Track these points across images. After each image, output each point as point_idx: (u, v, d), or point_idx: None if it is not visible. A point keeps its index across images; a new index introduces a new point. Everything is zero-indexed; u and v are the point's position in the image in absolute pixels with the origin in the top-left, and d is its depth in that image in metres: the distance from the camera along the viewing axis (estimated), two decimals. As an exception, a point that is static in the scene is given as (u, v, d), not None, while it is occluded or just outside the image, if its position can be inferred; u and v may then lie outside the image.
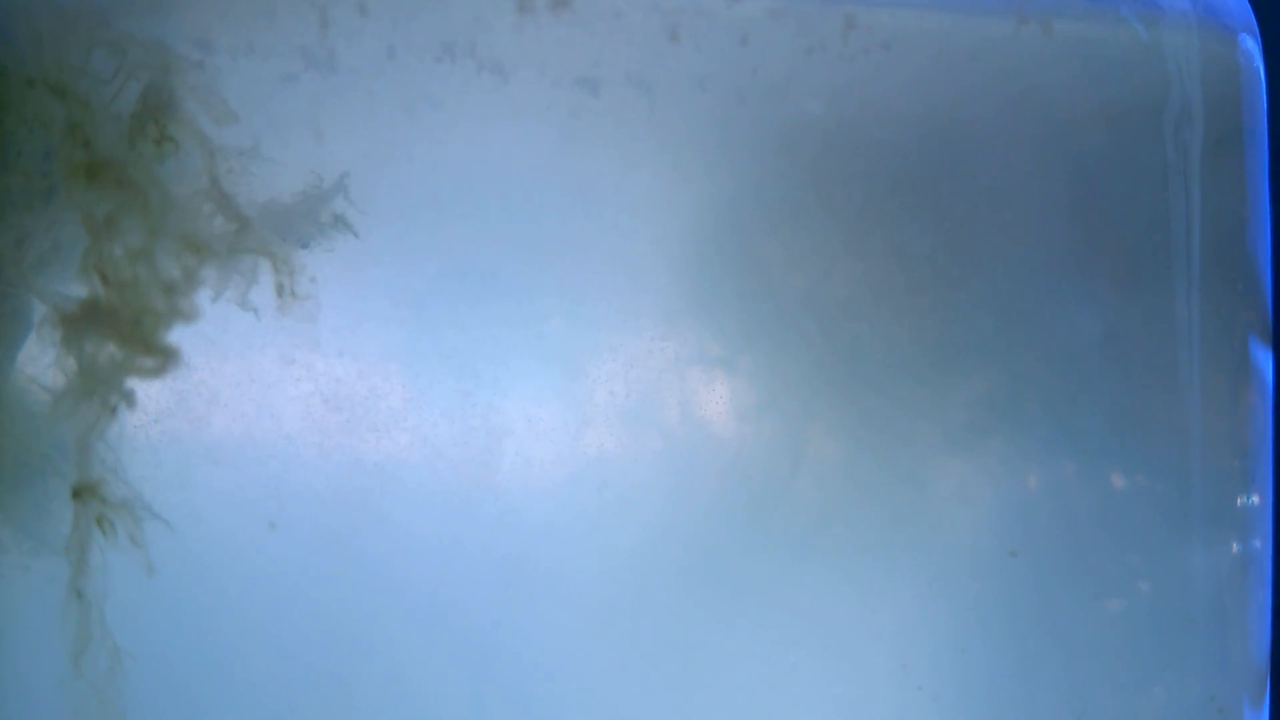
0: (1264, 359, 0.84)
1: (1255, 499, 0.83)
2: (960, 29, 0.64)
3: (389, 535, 0.58)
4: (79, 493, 0.44)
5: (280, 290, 0.52)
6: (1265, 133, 0.81)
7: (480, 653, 0.66)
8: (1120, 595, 0.88)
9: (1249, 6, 0.79)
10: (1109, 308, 0.88)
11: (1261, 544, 0.85)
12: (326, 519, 0.55)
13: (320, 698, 0.55)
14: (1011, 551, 0.75)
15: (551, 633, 0.73)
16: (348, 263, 0.63)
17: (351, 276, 0.63)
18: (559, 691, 0.72)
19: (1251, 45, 0.79)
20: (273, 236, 0.52)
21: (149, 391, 0.47)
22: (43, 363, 0.60)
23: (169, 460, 0.54)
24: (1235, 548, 0.81)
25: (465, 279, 0.73)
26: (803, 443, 0.89)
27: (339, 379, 0.61)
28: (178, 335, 0.48)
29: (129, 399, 0.46)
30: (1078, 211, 0.85)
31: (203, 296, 0.48)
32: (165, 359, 0.46)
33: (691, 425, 0.85)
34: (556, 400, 0.76)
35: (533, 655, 0.70)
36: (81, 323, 0.46)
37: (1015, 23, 0.62)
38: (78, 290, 0.52)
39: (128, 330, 0.45)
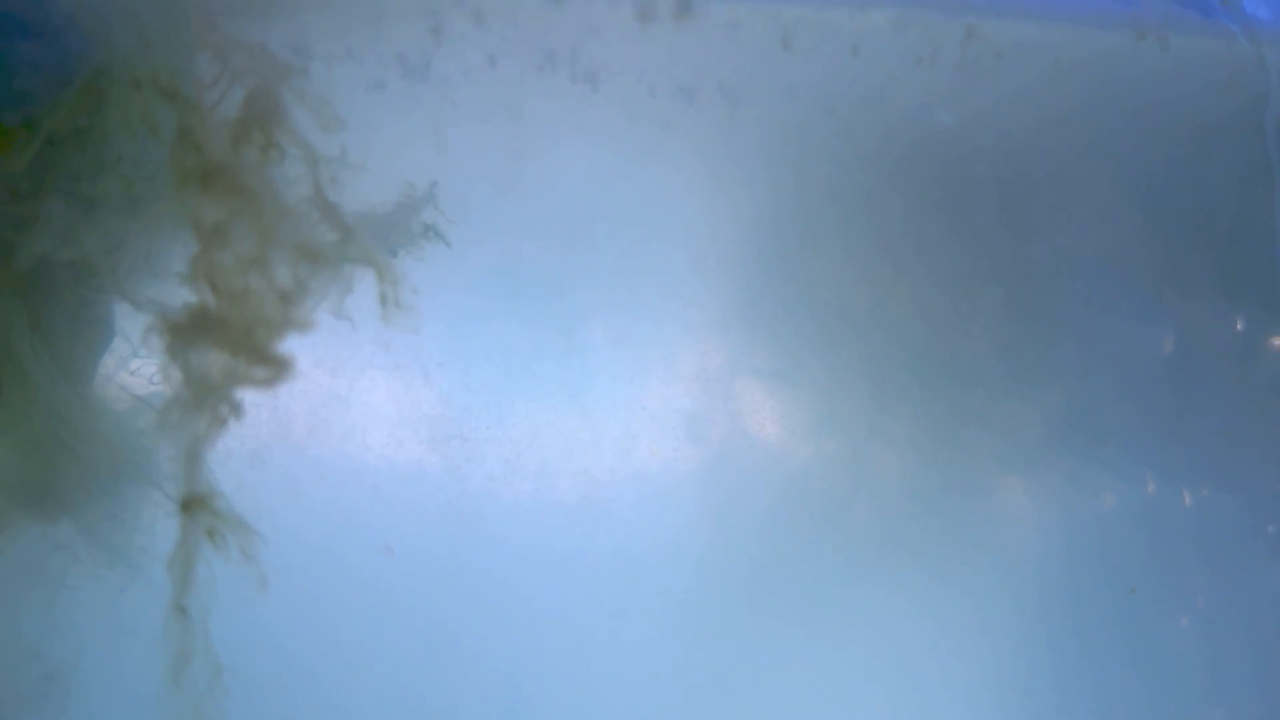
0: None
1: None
2: (1076, 41, 0.64)
3: (500, 554, 0.58)
4: (188, 505, 0.43)
5: (384, 300, 0.52)
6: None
7: (583, 664, 0.65)
8: (1191, 614, 0.87)
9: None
10: (1180, 324, 0.88)
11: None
12: (440, 541, 0.54)
13: (410, 654, 0.54)
14: (1132, 589, 0.74)
15: (623, 646, 0.73)
16: (438, 274, 0.62)
17: (443, 287, 0.62)
18: (627, 692, 0.71)
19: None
20: (376, 246, 0.52)
21: (257, 404, 0.46)
22: (131, 371, 0.59)
23: (275, 475, 0.54)
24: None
25: (544, 291, 0.73)
26: (864, 458, 0.89)
27: (442, 394, 0.60)
28: (286, 346, 0.47)
29: (238, 410, 0.46)
30: (1159, 226, 0.85)
31: (312, 307, 0.47)
32: (279, 369, 0.45)
33: (752, 440, 0.85)
34: (629, 416, 0.75)
35: (612, 667, 0.70)
36: (190, 332, 0.45)
37: (1134, 36, 0.62)
38: (177, 299, 0.51)
39: (240, 340, 0.44)
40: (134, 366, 0.59)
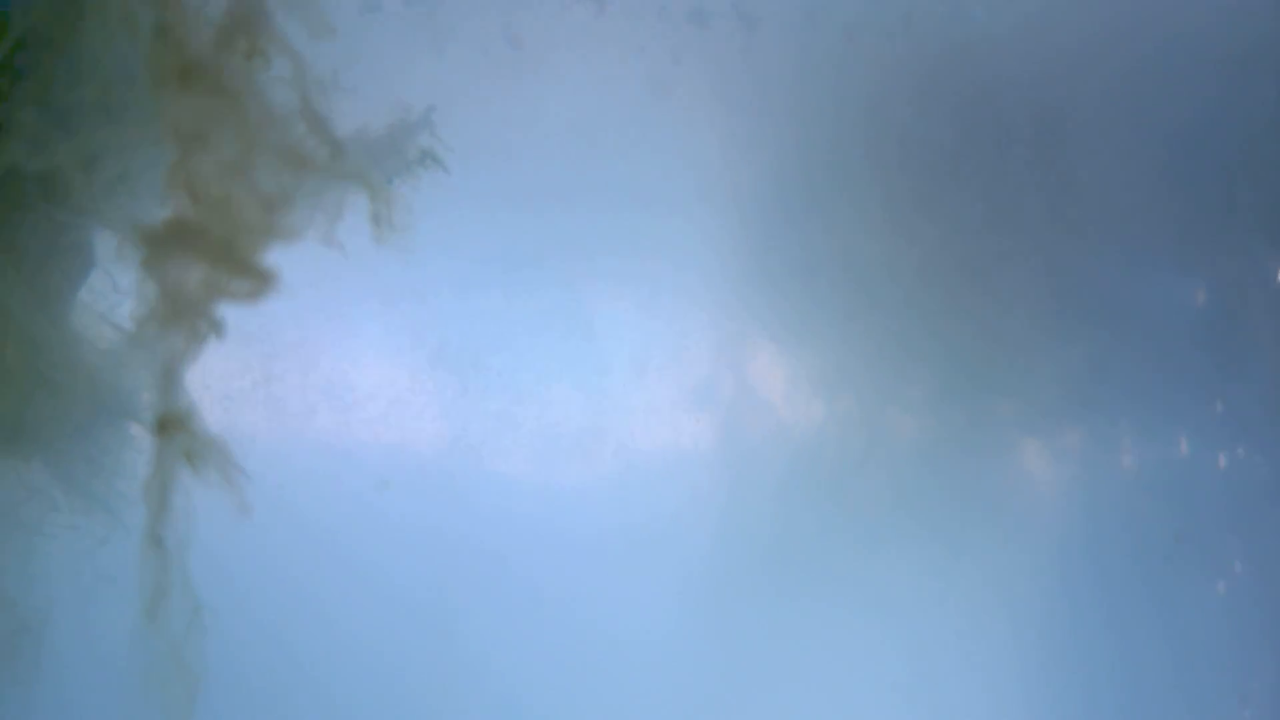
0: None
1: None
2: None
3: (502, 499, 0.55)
4: (164, 426, 0.41)
5: (377, 220, 0.49)
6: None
7: (571, 621, 0.63)
8: (1227, 578, 0.83)
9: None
10: (1214, 277, 0.85)
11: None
12: (435, 476, 0.52)
13: (426, 652, 0.52)
14: (1177, 537, 0.70)
15: (633, 606, 0.70)
16: (432, 203, 0.60)
17: (438, 216, 0.60)
18: (645, 660, 0.68)
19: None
20: (368, 164, 0.49)
21: (241, 322, 0.43)
22: (111, 304, 0.57)
23: (259, 399, 0.51)
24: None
25: (542, 232, 0.70)
26: (877, 420, 0.86)
27: (434, 324, 0.57)
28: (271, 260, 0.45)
29: (218, 327, 0.43)
30: (1192, 171, 0.81)
31: (298, 221, 0.44)
32: (261, 282, 0.42)
33: (762, 402, 0.82)
34: (632, 373, 0.72)
35: (623, 636, 0.67)
36: (167, 243, 0.42)
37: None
38: (158, 214, 0.49)
39: (220, 250, 0.41)
40: (114, 300, 0.57)
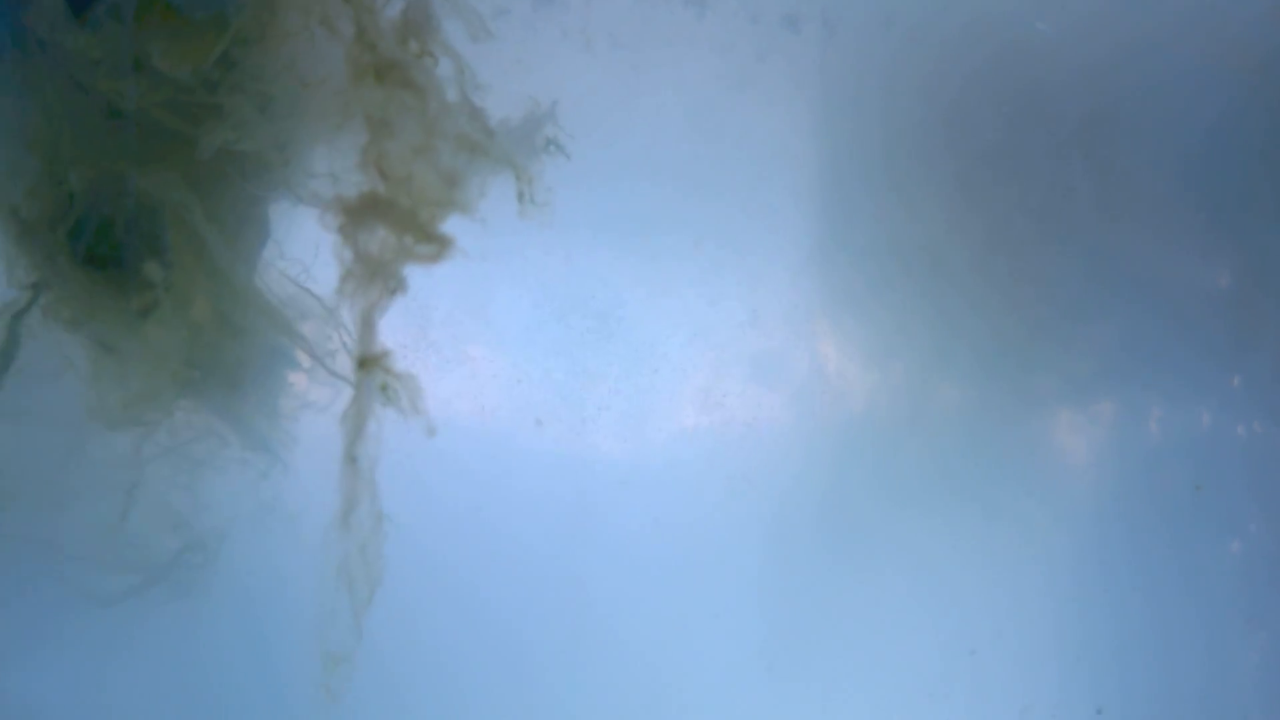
0: None
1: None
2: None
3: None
4: (364, 363, 0.48)
5: (521, 197, 0.56)
6: None
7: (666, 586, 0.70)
8: (1236, 536, 0.90)
9: None
10: (1239, 257, 0.90)
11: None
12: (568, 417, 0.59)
13: (574, 566, 0.59)
14: (1198, 486, 0.75)
15: (718, 555, 0.77)
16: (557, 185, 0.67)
17: (562, 197, 0.67)
18: (724, 607, 0.75)
19: None
20: (514, 148, 0.56)
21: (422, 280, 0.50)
22: (283, 269, 0.64)
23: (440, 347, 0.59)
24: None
25: (635, 209, 0.77)
26: (924, 391, 0.92)
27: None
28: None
29: (403, 285, 0.50)
30: (1223, 156, 0.86)
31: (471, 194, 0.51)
32: (442, 246, 0.49)
33: (825, 372, 0.88)
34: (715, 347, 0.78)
35: (696, 598, 0.74)
36: (361, 212, 0.49)
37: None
38: (340, 191, 0.56)
39: (406, 219, 0.49)
40: (285, 265, 0.64)
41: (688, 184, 0.72)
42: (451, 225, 0.57)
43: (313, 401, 0.68)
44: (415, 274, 0.55)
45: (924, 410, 0.85)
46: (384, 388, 0.48)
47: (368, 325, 0.48)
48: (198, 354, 0.57)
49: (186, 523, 0.65)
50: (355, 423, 0.49)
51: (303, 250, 0.65)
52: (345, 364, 0.52)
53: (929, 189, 0.83)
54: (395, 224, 0.49)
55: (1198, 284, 0.85)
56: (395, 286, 0.49)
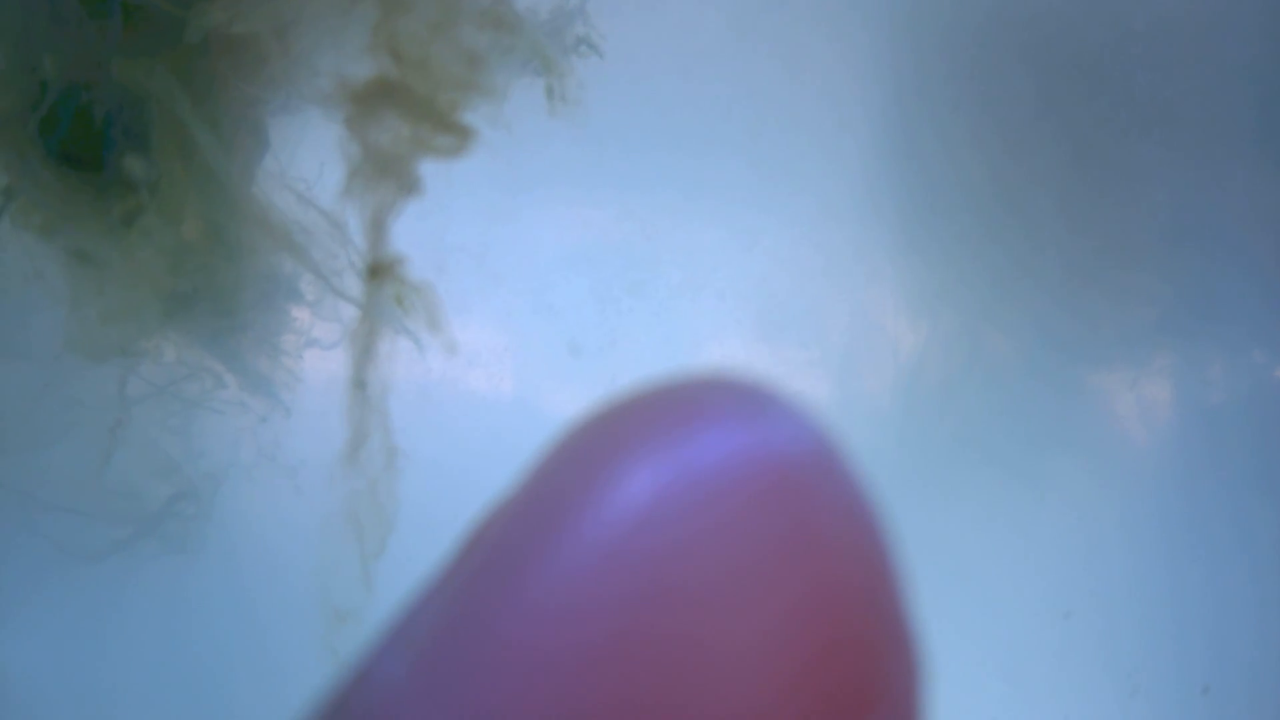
0: None
1: None
2: None
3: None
4: (375, 272, 0.43)
5: (551, 94, 0.50)
6: None
7: None
8: None
9: None
10: None
11: None
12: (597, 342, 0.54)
13: None
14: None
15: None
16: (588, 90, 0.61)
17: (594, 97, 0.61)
18: None
19: None
20: (543, 38, 0.50)
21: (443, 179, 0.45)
22: (285, 184, 0.59)
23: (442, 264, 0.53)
24: None
25: (676, 138, 0.72)
26: (975, 342, 0.86)
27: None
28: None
29: (419, 184, 0.45)
30: (1268, 90, 0.80)
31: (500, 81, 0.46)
32: (463, 137, 0.44)
33: (875, 320, 0.83)
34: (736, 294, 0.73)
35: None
36: (371, 100, 0.44)
37: None
38: (351, 82, 0.50)
39: (423, 107, 0.43)
40: (285, 179, 0.59)
41: (735, 105, 0.66)
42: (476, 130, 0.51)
43: (318, 339, 0.62)
44: (434, 181, 0.49)
45: (971, 368, 0.79)
46: (399, 299, 0.43)
47: (378, 228, 0.43)
48: (187, 274, 0.51)
49: (178, 469, 0.61)
50: (365, 341, 0.43)
51: (307, 168, 0.59)
52: (354, 286, 0.47)
53: (988, 130, 0.77)
54: (410, 112, 0.43)
55: (1266, 225, 0.79)
56: (410, 185, 0.43)
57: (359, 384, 0.43)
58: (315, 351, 0.60)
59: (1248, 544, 0.80)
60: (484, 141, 0.48)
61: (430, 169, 0.45)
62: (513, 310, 0.55)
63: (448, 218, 0.54)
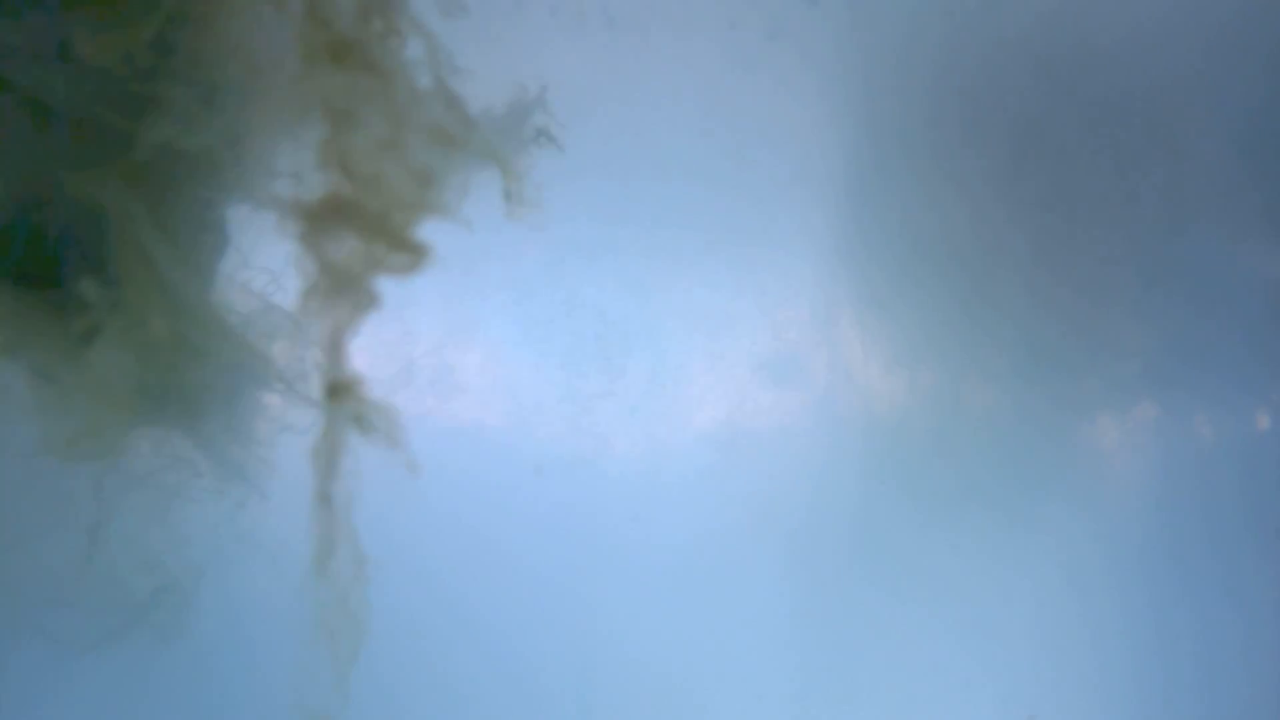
0: None
1: None
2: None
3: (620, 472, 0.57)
4: (334, 391, 0.43)
5: (509, 196, 0.50)
6: None
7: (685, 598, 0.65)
8: None
9: None
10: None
11: None
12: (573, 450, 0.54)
13: (567, 607, 0.55)
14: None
15: (723, 571, 0.72)
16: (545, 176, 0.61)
17: (555, 192, 0.61)
18: (748, 627, 0.71)
19: None
20: (498, 140, 0.50)
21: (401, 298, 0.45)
22: (246, 280, 0.59)
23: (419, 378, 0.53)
24: None
25: (638, 206, 0.71)
26: (956, 396, 0.86)
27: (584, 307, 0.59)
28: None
29: (375, 300, 0.45)
30: (1265, 156, 0.79)
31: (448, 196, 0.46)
32: (417, 256, 0.44)
33: (850, 376, 0.82)
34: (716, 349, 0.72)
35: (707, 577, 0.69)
36: (324, 217, 0.44)
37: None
38: (301, 192, 0.50)
39: (376, 224, 0.43)
40: (248, 275, 0.58)
41: (694, 176, 0.66)
42: (434, 232, 0.51)
43: (291, 424, 0.63)
44: (394, 288, 0.49)
45: (954, 418, 0.79)
46: (358, 418, 0.43)
47: (336, 347, 0.43)
48: (152, 379, 0.52)
49: (160, 561, 0.61)
50: (328, 458, 0.43)
51: (272, 259, 0.59)
52: (316, 387, 0.47)
53: (955, 179, 0.76)
54: (363, 230, 0.43)
55: (1248, 278, 0.79)
56: (366, 302, 0.43)
57: (324, 498, 0.43)
58: (289, 437, 0.60)
59: (1233, 586, 0.80)
60: (443, 253, 0.48)
61: (390, 283, 0.45)
62: (478, 414, 0.56)
63: (410, 329, 0.54)
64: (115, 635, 0.57)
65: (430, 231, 0.49)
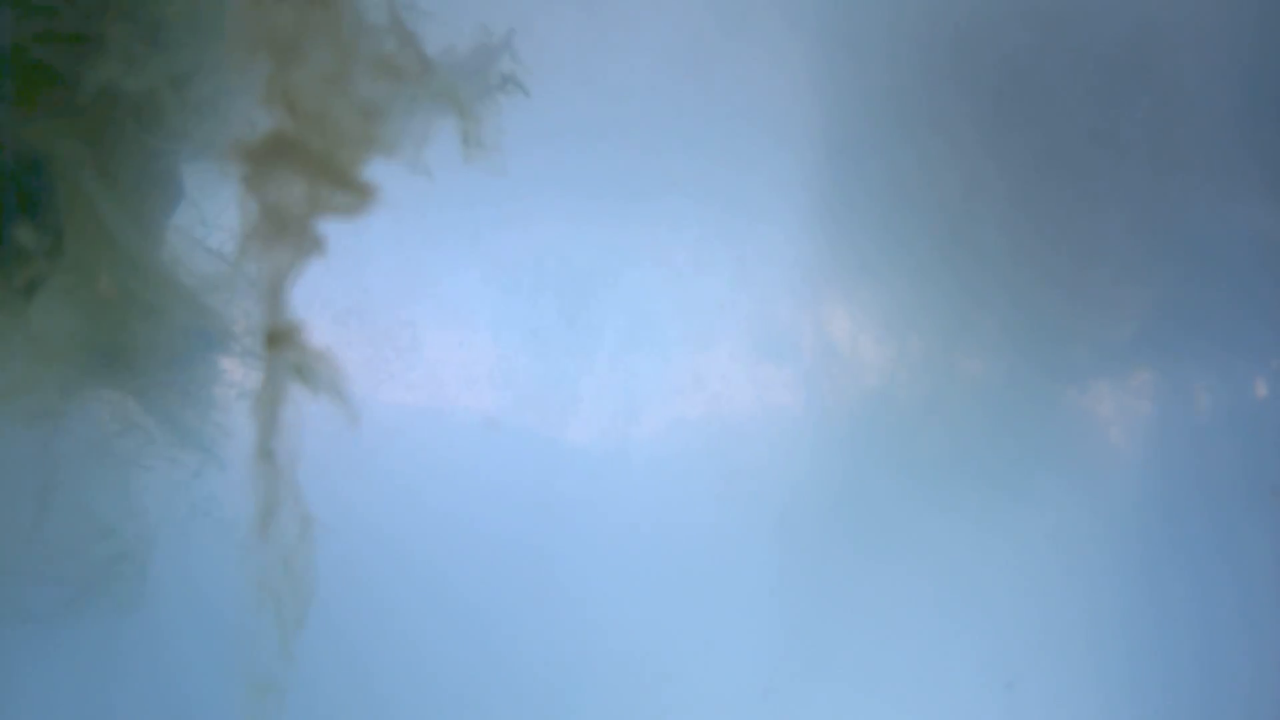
0: None
1: None
2: None
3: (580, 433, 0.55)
4: (273, 340, 0.41)
5: (466, 139, 0.48)
6: None
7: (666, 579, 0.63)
8: None
9: None
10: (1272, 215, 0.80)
11: None
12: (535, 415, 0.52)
13: (520, 570, 0.53)
14: (1274, 490, 0.66)
15: (704, 551, 0.70)
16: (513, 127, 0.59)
17: (521, 144, 0.59)
18: (732, 610, 0.69)
19: None
20: (458, 81, 0.48)
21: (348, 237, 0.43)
22: (199, 234, 0.57)
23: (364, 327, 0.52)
24: None
25: (615, 168, 0.69)
26: (946, 365, 0.83)
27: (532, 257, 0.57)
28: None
29: (320, 244, 0.43)
30: (1265, 111, 0.77)
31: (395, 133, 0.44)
32: (362, 195, 0.42)
33: (837, 347, 0.80)
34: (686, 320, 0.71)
35: (686, 549, 0.67)
36: (267, 158, 0.42)
37: None
38: (250, 134, 0.49)
39: (320, 163, 0.41)
40: (204, 233, 0.57)
41: (670, 136, 0.64)
42: (392, 182, 0.49)
43: (249, 390, 0.61)
44: (344, 236, 0.47)
45: (945, 388, 0.77)
46: (299, 368, 0.41)
47: (275, 293, 0.41)
48: (99, 337, 0.50)
49: (114, 530, 0.59)
50: (268, 409, 0.42)
51: (229, 213, 0.58)
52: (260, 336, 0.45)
53: (944, 138, 0.74)
54: (306, 168, 0.41)
55: (1249, 239, 0.76)
56: (309, 245, 0.42)
57: (265, 453, 0.41)
58: (247, 402, 0.59)
59: (1229, 554, 0.77)
60: (395, 196, 0.46)
61: (346, 234, 0.43)
62: (434, 373, 0.54)
63: (360, 277, 0.52)
64: (70, 605, 0.55)
65: (387, 181, 0.48)
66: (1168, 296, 0.75)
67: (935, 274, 0.75)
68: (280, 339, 0.40)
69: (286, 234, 0.42)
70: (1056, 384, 0.75)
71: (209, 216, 0.55)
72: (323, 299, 0.48)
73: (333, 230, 0.45)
